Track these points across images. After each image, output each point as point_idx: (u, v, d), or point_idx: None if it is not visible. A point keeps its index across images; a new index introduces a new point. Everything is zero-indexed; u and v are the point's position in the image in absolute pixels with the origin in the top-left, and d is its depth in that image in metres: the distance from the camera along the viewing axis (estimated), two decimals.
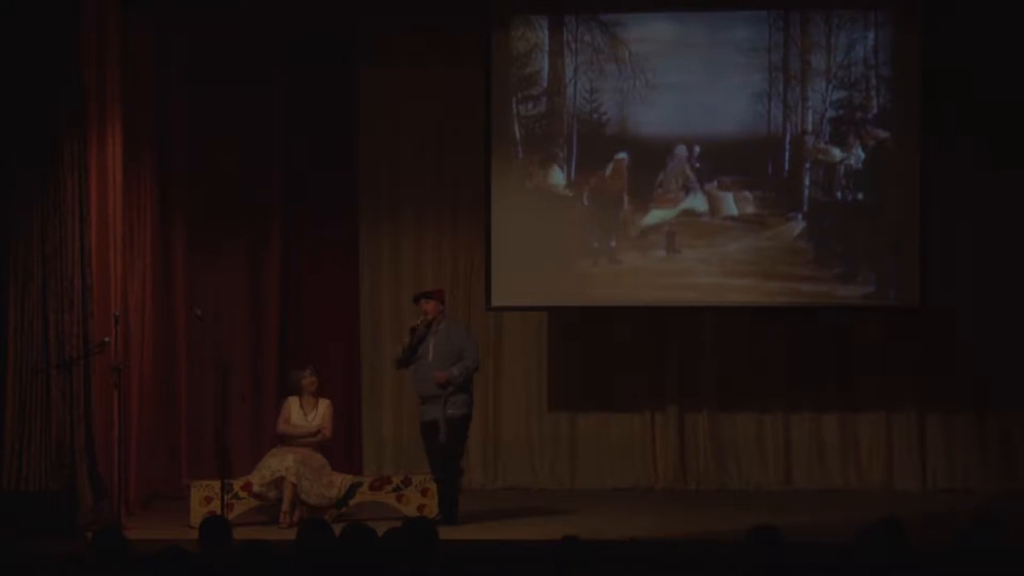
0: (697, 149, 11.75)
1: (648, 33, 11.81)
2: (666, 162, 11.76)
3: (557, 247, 11.84)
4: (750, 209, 11.76)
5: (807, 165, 11.70)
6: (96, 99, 10.41)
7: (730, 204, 11.77)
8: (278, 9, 11.98)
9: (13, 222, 10.21)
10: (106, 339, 10.11)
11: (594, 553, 5.51)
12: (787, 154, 11.70)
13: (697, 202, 11.76)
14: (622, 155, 11.79)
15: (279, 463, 10.24)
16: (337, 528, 5.87)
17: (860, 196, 11.69)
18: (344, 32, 12.28)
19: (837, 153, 11.69)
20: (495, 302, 11.91)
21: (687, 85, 11.72)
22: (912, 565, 5.28)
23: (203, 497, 10.15)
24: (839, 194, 11.70)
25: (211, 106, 12.04)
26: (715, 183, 11.78)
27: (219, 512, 9.54)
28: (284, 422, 10.61)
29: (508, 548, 9.00)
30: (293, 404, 10.63)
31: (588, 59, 11.82)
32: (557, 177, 11.86)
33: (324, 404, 10.63)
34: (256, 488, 10.24)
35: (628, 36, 11.80)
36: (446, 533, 9.05)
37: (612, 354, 12.27)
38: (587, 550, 5.52)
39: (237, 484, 10.24)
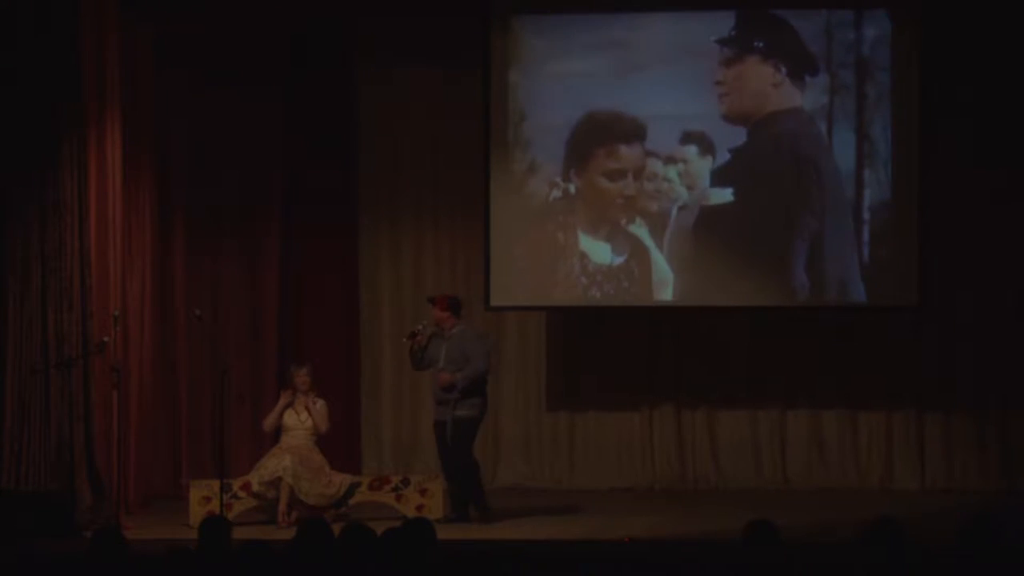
0: (694, 148, 11.75)
1: (644, 32, 11.81)
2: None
3: (555, 247, 11.83)
4: (748, 207, 11.74)
5: (805, 163, 11.69)
6: (96, 99, 10.40)
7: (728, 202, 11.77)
8: (278, 9, 11.98)
9: (12, 222, 10.20)
10: (105, 339, 10.10)
11: None
12: (785, 152, 11.69)
13: (695, 201, 11.75)
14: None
15: (277, 463, 10.23)
16: (336, 528, 5.88)
17: (858, 194, 11.68)
18: (344, 32, 12.29)
19: (834, 151, 11.68)
20: (494, 302, 11.89)
21: (684, 83, 11.71)
22: (912, 565, 5.29)
23: (202, 497, 10.15)
24: (837, 192, 11.67)
25: (211, 106, 12.04)
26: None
27: (218, 512, 9.54)
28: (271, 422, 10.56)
29: (507, 548, 8.99)
30: (288, 410, 10.55)
31: (584, 58, 11.80)
32: (554, 176, 11.84)
33: (320, 403, 10.53)
34: (255, 488, 10.24)
35: (623, 36, 11.79)
36: (451, 532, 9.15)
37: (610, 354, 12.26)
38: None
39: (236, 484, 10.24)
